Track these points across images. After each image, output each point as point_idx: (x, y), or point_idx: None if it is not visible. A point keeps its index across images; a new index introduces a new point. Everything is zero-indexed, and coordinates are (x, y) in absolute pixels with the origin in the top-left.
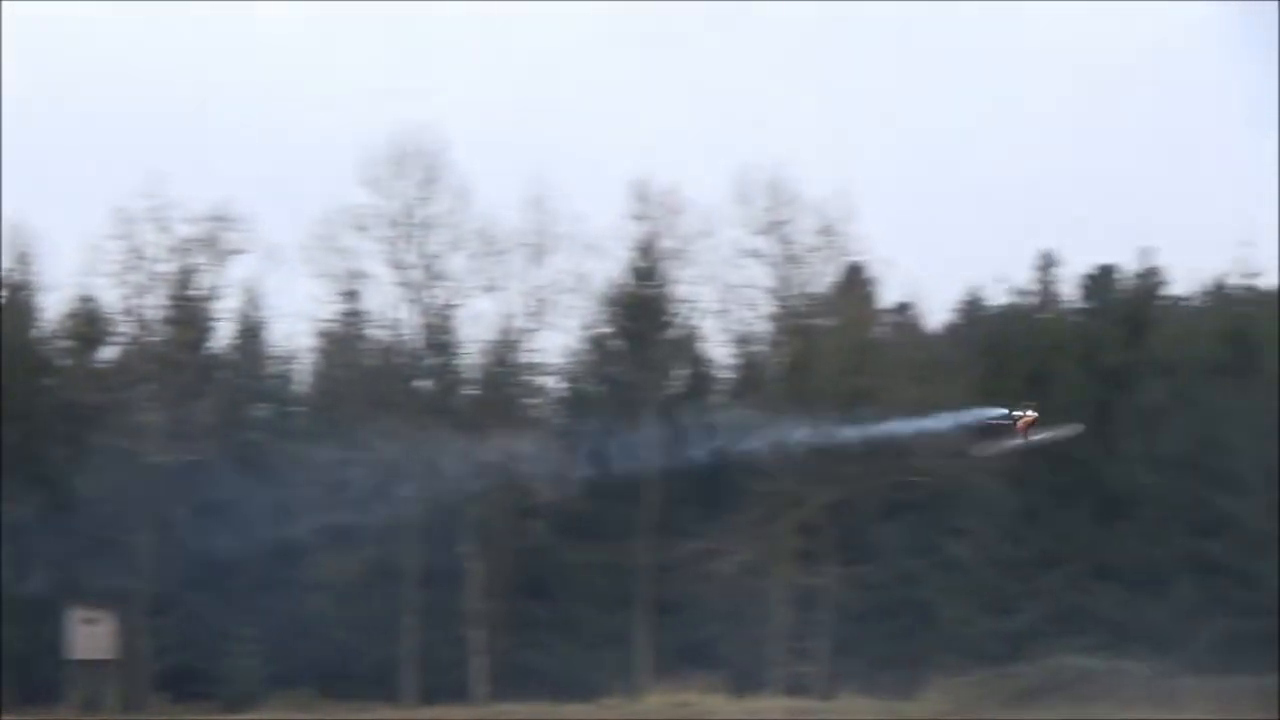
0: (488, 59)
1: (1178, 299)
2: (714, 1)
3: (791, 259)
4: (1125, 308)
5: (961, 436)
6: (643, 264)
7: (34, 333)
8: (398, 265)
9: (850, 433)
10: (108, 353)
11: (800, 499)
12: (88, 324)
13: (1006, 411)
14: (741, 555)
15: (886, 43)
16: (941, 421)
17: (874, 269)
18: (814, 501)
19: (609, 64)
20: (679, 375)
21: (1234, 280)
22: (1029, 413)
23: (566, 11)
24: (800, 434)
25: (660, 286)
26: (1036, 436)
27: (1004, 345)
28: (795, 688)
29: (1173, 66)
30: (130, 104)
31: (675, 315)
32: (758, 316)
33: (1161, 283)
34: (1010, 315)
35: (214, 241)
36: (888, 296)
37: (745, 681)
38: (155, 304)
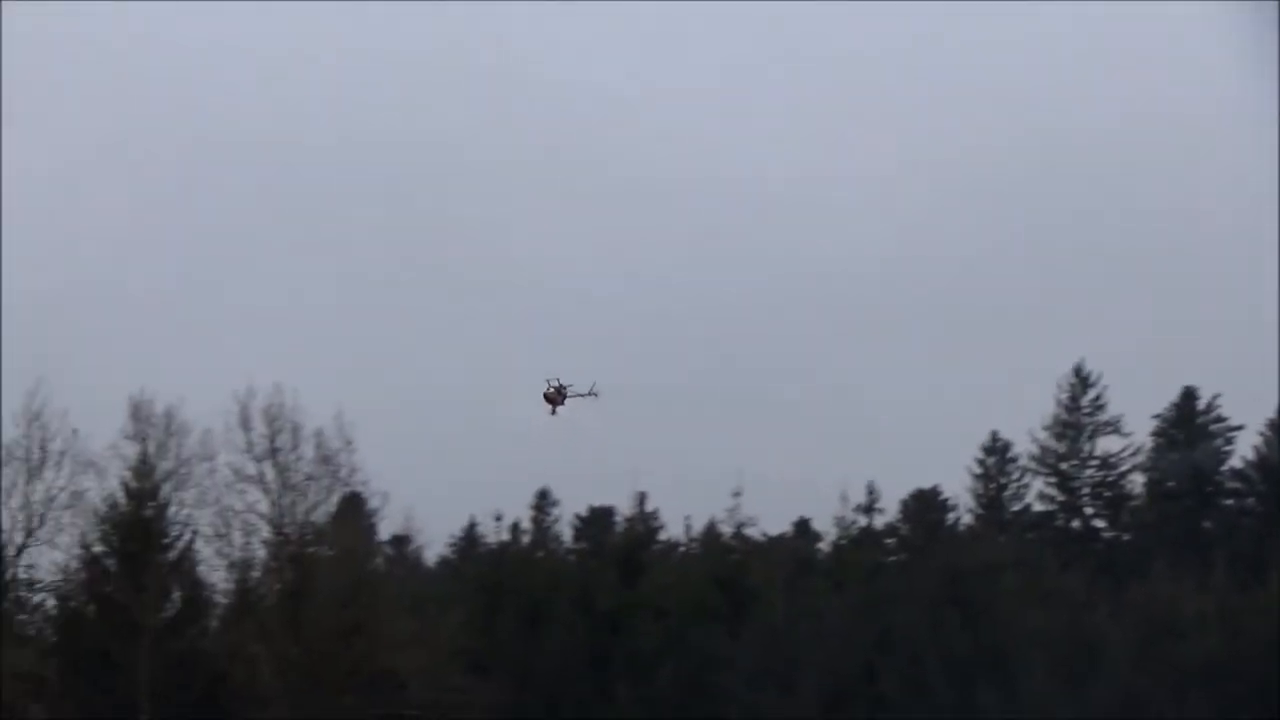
0: None
1: (672, 544)
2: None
3: (290, 486)
4: (619, 551)
5: None
6: (139, 484)
7: None
8: None
9: None
10: None
11: None
12: None
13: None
14: None
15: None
16: None
17: (373, 500)
18: None
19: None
20: (175, 597)
21: (726, 528)
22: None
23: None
24: None
25: (157, 508)
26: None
27: (499, 583)
28: None
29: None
30: None
31: (172, 537)
32: (256, 542)
33: (656, 527)
34: (506, 553)
35: None
36: (386, 528)
37: None
38: None
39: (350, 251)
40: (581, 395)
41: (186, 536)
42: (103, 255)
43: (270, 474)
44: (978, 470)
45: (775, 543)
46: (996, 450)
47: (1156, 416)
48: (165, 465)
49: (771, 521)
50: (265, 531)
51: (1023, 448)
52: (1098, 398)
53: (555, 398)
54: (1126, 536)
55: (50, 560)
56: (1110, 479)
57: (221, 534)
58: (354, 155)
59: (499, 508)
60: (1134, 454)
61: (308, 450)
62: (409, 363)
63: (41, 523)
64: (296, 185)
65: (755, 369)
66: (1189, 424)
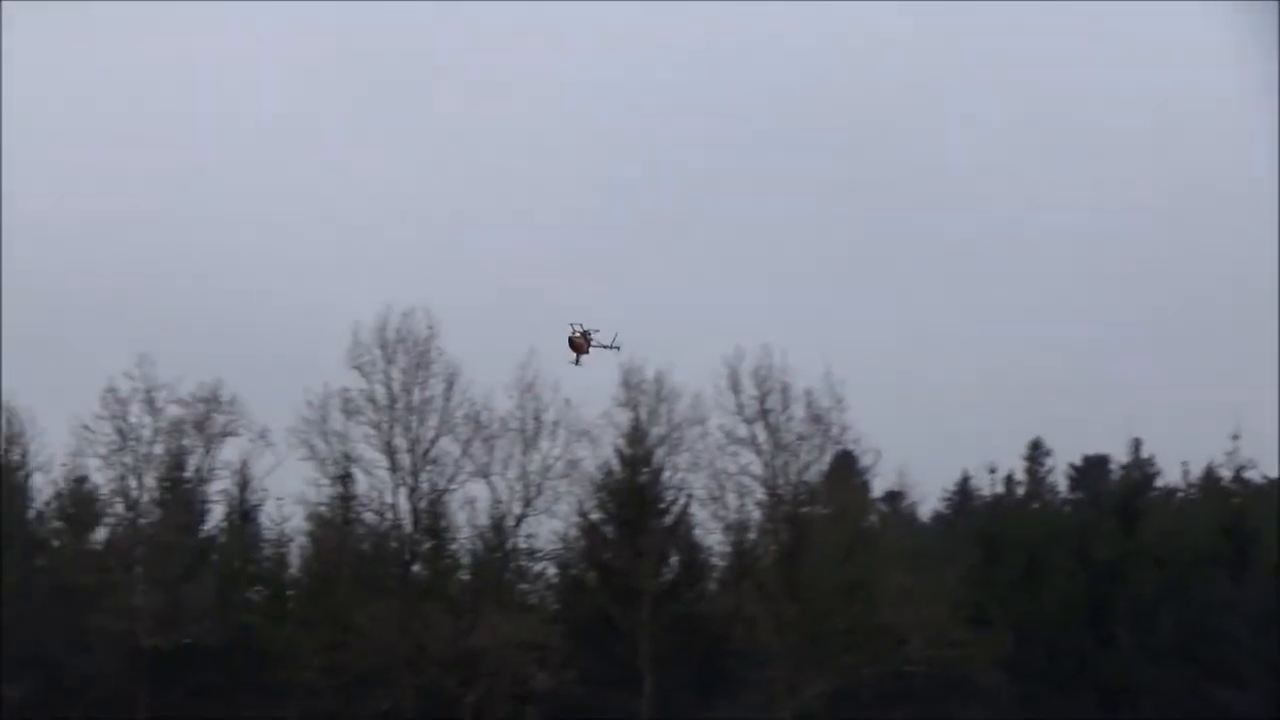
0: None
1: (1169, 490)
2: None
3: (782, 447)
4: (1117, 499)
5: None
6: (633, 450)
7: (27, 514)
8: (389, 449)
9: None
10: (100, 534)
11: (797, 687)
12: (80, 505)
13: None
14: None
15: (880, 230)
16: None
17: (864, 457)
18: (810, 690)
19: (600, 248)
20: (672, 561)
21: (1225, 472)
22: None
23: (554, 196)
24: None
25: (652, 473)
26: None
27: (996, 536)
28: None
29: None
30: (119, 282)
31: (667, 502)
32: (750, 504)
33: (1153, 474)
34: (1002, 505)
35: (205, 423)
36: (879, 485)
37: None
38: (147, 485)
39: (828, 207)
40: (604, 346)
41: (681, 501)
42: (599, 225)
43: (762, 435)
44: None
45: (1278, 485)
46: None
47: None
48: (657, 431)
49: (1274, 463)
50: (759, 493)
51: None
52: None
53: (580, 344)
54: None
55: (549, 529)
56: None
57: (715, 497)
58: (811, 107)
59: (992, 460)
60: None
61: (798, 410)
62: (894, 318)
63: (539, 492)
64: (756, 143)
65: (1246, 307)
66: None
